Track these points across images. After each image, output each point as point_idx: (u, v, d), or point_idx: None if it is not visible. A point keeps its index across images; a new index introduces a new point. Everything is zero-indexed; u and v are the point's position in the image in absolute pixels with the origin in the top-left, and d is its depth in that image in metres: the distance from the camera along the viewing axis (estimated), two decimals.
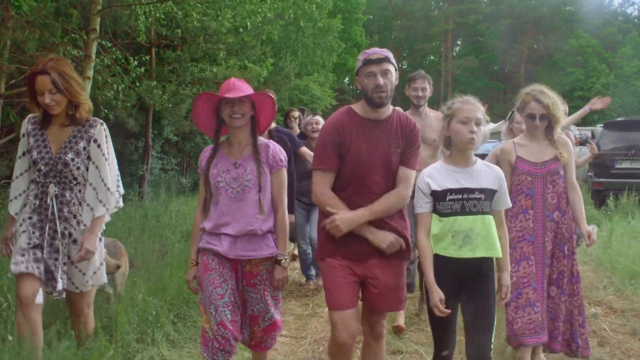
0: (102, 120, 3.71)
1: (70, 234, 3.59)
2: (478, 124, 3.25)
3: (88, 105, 3.62)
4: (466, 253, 3.21)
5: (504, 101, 52.26)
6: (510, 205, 3.46)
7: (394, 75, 3.39)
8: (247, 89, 3.49)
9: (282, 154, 3.61)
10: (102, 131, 3.64)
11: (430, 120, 5.47)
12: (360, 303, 3.52)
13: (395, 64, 3.45)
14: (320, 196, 3.41)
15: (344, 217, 3.26)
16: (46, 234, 3.51)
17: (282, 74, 18.68)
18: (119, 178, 3.80)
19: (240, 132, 3.54)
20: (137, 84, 8.71)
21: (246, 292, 3.57)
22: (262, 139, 3.62)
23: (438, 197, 3.29)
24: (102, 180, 3.63)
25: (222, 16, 8.18)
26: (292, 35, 12.75)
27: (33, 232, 3.52)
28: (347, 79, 43.80)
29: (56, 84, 3.41)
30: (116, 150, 3.89)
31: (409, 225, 3.54)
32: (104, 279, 3.86)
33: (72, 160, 3.53)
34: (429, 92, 5.51)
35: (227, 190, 3.46)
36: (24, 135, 3.62)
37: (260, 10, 8.44)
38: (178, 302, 5.18)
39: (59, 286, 3.51)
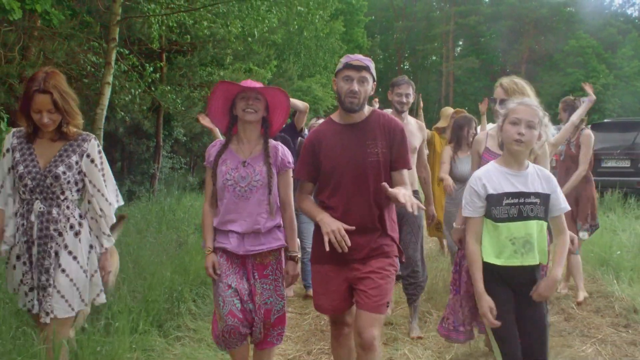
0: (94, 135, 3.62)
1: (56, 253, 3.36)
2: (530, 126, 3.15)
3: (79, 122, 3.47)
4: (529, 260, 3.16)
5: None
6: (568, 208, 3.32)
7: (370, 85, 3.41)
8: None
9: (290, 156, 3.69)
10: (95, 146, 3.53)
11: (411, 127, 5.36)
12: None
13: (375, 76, 3.47)
14: (300, 204, 3.58)
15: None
16: (34, 258, 3.34)
17: (286, 76, 19.27)
18: (117, 189, 3.67)
19: (251, 130, 3.61)
20: (153, 88, 9.35)
21: (259, 285, 3.60)
22: (271, 141, 3.68)
23: (494, 201, 3.19)
24: (102, 194, 3.50)
25: (231, 25, 8.79)
26: (295, 38, 13.21)
27: (19, 259, 3.38)
28: None
29: (57, 104, 3.28)
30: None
31: (396, 226, 3.59)
32: (101, 299, 3.63)
33: (64, 173, 3.38)
34: (411, 98, 5.39)
35: (234, 188, 3.52)
36: (8, 151, 3.43)
37: (266, 21, 9.06)
38: (197, 283, 5.93)
39: (44, 308, 3.31)
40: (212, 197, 3.61)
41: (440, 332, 4.01)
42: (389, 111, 5.20)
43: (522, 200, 3.15)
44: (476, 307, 3.47)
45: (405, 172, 3.46)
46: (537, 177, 3.23)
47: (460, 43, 61.82)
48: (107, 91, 7.57)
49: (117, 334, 4.21)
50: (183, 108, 10.23)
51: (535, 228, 3.14)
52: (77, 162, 3.42)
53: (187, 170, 15.63)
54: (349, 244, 3.21)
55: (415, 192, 5.15)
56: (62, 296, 3.34)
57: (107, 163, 3.62)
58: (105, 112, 7.60)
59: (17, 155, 3.38)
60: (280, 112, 3.69)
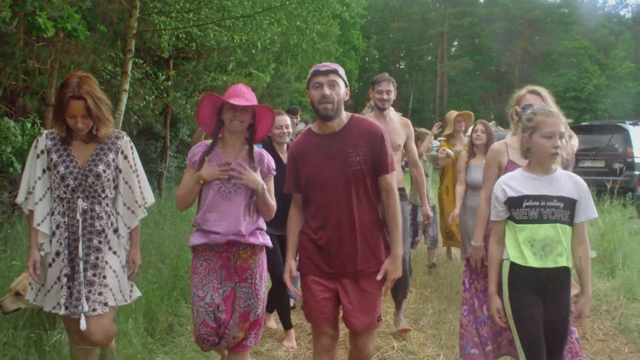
0: (125, 132, 3.66)
1: (100, 249, 3.47)
2: (562, 137, 3.17)
3: (110, 128, 3.52)
4: (549, 263, 3.15)
5: (499, 101, 52.65)
6: (595, 215, 3.27)
7: (342, 89, 3.33)
8: (251, 98, 3.61)
9: (273, 163, 3.78)
10: (127, 143, 3.60)
11: (394, 125, 5.36)
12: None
13: (346, 80, 3.41)
14: (289, 222, 3.57)
15: (395, 266, 3.34)
16: (80, 253, 3.39)
17: (284, 79, 19.94)
18: (149, 187, 3.73)
19: (237, 137, 3.67)
20: (165, 94, 10.19)
21: (238, 288, 3.68)
22: (256, 148, 3.73)
23: (514, 203, 3.24)
24: (132, 191, 3.59)
25: (236, 38, 9.63)
26: (293, 41, 13.88)
27: (58, 255, 3.42)
28: None
29: (90, 110, 3.30)
30: (139, 150, 4.17)
31: (383, 243, 3.48)
32: (138, 292, 3.84)
33: (104, 171, 3.44)
34: (393, 96, 5.34)
35: (219, 187, 3.58)
36: (42, 152, 3.45)
37: (269, 34, 9.92)
38: None
39: (85, 307, 3.36)
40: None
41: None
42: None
43: (543, 204, 3.16)
44: (496, 329, 3.70)
45: (388, 176, 3.40)
46: (564, 182, 3.22)
47: (455, 43, 61.99)
48: (124, 97, 8.42)
49: (155, 300, 5.08)
50: (192, 113, 10.99)
51: (558, 231, 3.15)
52: (113, 160, 3.51)
53: None
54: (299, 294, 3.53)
55: (401, 190, 5.26)
56: (108, 286, 3.47)
57: (140, 161, 3.70)
58: (122, 117, 8.47)
59: (55, 156, 3.42)
60: (265, 121, 3.73)
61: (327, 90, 3.25)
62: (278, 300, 5.26)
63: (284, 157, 5.10)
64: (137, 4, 8.16)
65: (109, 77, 9.38)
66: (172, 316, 5.25)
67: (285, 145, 5.33)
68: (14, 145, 6.30)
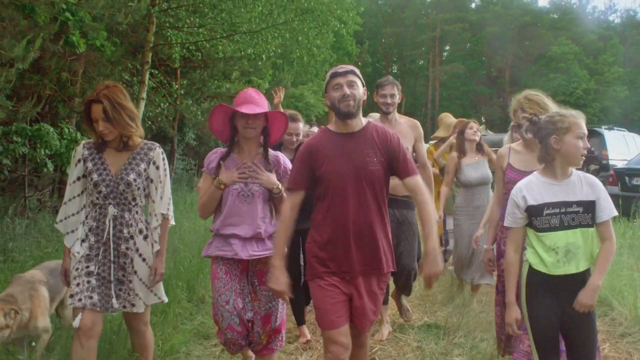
0: (158, 144, 3.76)
1: (129, 255, 3.57)
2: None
3: (140, 133, 3.63)
4: (571, 269, 3.12)
5: (490, 105, 53.27)
6: (615, 213, 3.19)
7: (360, 89, 3.36)
8: (262, 103, 3.63)
9: (289, 164, 3.78)
10: (160, 154, 3.68)
11: (400, 127, 5.19)
12: None
13: (362, 80, 3.43)
14: (280, 220, 3.44)
15: (435, 262, 3.20)
16: (110, 256, 3.53)
17: (281, 85, 20.71)
18: (170, 201, 3.74)
19: (252, 141, 3.72)
20: (178, 102, 11.07)
21: (259, 292, 3.70)
22: (270, 151, 3.78)
23: (535, 212, 3.17)
24: (162, 200, 3.65)
25: (243, 50, 10.56)
26: (295, 54, 14.61)
27: (88, 255, 3.53)
28: None
29: (107, 112, 3.39)
30: None
31: (390, 242, 3.51)
32: (163, 296, 3.83)
33: (135, 180, 3.53)
34: (397, 99, 5.20)
35: (238, 192, 3.62)
36: (79, 161, 3.59)
37: (272, 48, 10.86)
38: None
39: (115, 304, 3.52)
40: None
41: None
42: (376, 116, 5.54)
43: (563, 210, 3.12)
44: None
45: (410, 178, 3.38)
46: (581, 185, 3.18)
47: (447, 48, 62.68)
48: (142, 105, 9.30)
49: (193, 275, 5.99)
50: (202, 119, 11.88)
51: (579, 236, 3.12)
52: (145, 170, 3.60)
53: (196, 171, 17.29)
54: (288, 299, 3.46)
55: (408, 197, 5.04)
56: (137, 294, 3.59)
57: (169, 174, 3.79)
58: (140, 122, 9.27)
59: (90, 165, 3.55)
60: (279, 125, 3.78)
61: (347, 90, 3.29)
62: (295, 300, 5.04)
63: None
64: (154, 20, 9.01)
65: (125, 85, 10.19)
66: (203, 289, 6.08)
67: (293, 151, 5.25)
68: (53, 149, 7.11)
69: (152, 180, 3.64)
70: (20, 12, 6.25)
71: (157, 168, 3.65)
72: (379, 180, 3.36)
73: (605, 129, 14.62)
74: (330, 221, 3.34)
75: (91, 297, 3.45)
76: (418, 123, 5.42)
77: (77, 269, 3.52)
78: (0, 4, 5.61)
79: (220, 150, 3.80)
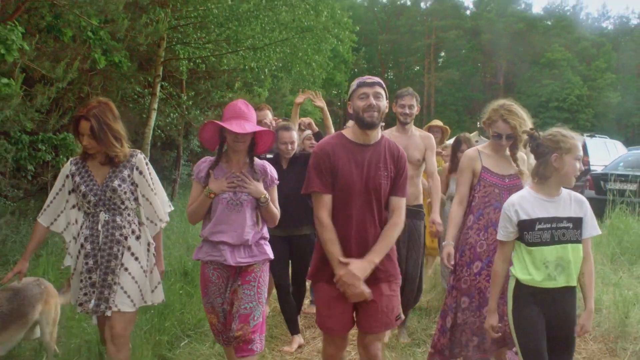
0: (140, 151, 3.86)
1: (122, 255, 3.64)
2: None
3: (125, 152, 3.69)
4: (561, 282, 3.17)
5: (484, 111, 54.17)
6: (598, 232, 3.33)
7: (384, 101, 3.40)
8: (251, 117, 3.72)
9: (275, 173, 3.90)
10: (142, 160, 3.77)
11: (415, 139, 5.26)
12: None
13: (387, 93, 3.46)
14: (320, 227, 3.37)
15: (357, 269, 3.22)
16: (101, 258, 3.60)
17: (280, 93, 21.17)
18: (167, 199, 3.90)
19: (240, 152, 3.78)
20: (187, 112, 11.85)
21: (241, 290, 3.72)
22: (257, 160, 3.85)
23: (527, 226, 3.21)
24: (152, 205, 3.76)
25: (247, 65, 11.37)
26: (295, 69, 15.31)
27: (86, 263, 3.61)
28: (334, 92, 43.83)
29: (93, 130, 3.50)
30: (155, 159, 4.87)
31: (394, 248, 3.53)
32: (162, 296, 3.93)
33: (119, 185, 3.62)
34: (415, 110, 5.24)
35: (227, 200, 3.68)
36: (67, 177, 3.71)
37: (275, 62, 11.74)
38: None
39: (110, 304, 3.59)
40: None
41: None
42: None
43: (554, 225, 3.18)
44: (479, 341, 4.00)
45: (398, 198, 3.46)
46: (570, 202, 3.26)
47: (443, 54, 63.23)
48: (154, 115, 10.07)
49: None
50: None
51: (569, 251, 3.18)
52: (129, 175, 3.71)
53: None
54: (370, 297, 3.28)
55: (419, 207, 5.32)
56: (125, 292, 3.64)
57: (156, 175, 3.88)
58: (152, 131, 10.11)
59: (77, 178, 3.66)
60: (265, 140, 3.85)
61: (373, 100, 3.32)
62: (286, 306, 5.25)
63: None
64: (165, 36, 9.77)
65: (137, 97, 11.02)
66: None
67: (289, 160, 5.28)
68: (74, 156, 7.82)
69: (137, 186, 3.76)
70: (48, 33, 7.02)
71: (141, 173, 3.76)
72: (385, 193, 3.41)
73: (587, 136, 15.37)
74: (336, 228, 3.34)
75: (88, 302, 3.63)
76: (431, 136, 5.47)
77: (81, 280, 3.67)
78: (35, 28, 6.33)
79: (210, 159, 3.87)
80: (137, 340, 4.55)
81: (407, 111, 5.21)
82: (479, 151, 4.23)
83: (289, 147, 5.20)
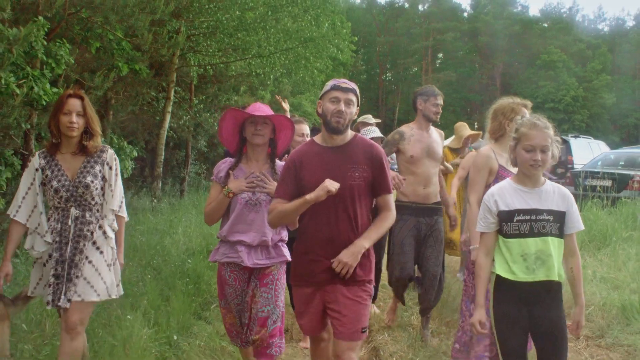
0: (110, 147, 3.85)
1: (86, 249, 3.61)
2: (544, 151, 3.06)
3: (98, 143, 3.70)
4: (540, 276, 3.07)
5: (481, 111, 54.17)
6: (582, 227, 3.19)
7: (354, 109, 3.33)
8: (270, 112, 3.72)
9: None
10: (112, 156, 3.77)
11: (435, 136, 5.26)
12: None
13: (359, 100, 3.42)
14: (273, 214, 3.36)
15: (350, 253, 3.21)
16: (67, 252, 3.57)
17: (281, 95, 22.03)
18: (123, 200, 3.87)
19: (259, 151, 3.76)
20: (198, 115, 12.75)
21: (259, 293, 3.68)
22: (278, 161, 3.83)
23: (505, 218, 3.13)
24: (113, 197, 3.74)
25: (254, 71, 12.28)
26: (298, 76, 16.06)
27: (54, 255, 3.59)
28: None
29: (85, 108, 3.56)
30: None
31: (373, 255, 3.47)
32: (120, 290, 3.86)
33: (92, 182, 3.61)
34: (440, 109, 5.23)
35: (246, 200, 3.66)
36: (37, 170, 3.64)
37: (279, 69, 12.67)
38: None
39: (68, 296, 3.55)
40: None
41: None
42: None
43: (533, 217, 3.07)
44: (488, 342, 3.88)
45: (384, 196, 3.40)
46: (553, 194, 3.14)
47: (440, 56, 63.65)
48: (168, 118, 10.96)
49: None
50: (217, 127, 13.37)
51: (549, 245, 3.07)
52: (100, 171, 3.69)
53: (205, 175, 18.90)
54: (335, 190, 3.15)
55: (437, 204, 5.27)
56: (88, 282, 3.60)
57: (120, 174, 3.88)
58: (166, 133, 11.02)
59: (48, 173, 3.62)
60: (285, 133, 3.83)
61: (342, 107, 3.25)
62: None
63: None
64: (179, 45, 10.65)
65: (151, 100, 11.90)
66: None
67: None
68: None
69: (106, 180, 3.74)
70: (80, 46, 7.89)
71: (110, 169, 3.74)
72: (359, 194, 3.33)
73: (571, 137, 16.28)
74: (309, 232, 3.37)
75: (49, 298, 3.58)
76: (442, 132, 5.47)
77: (44, 272, 3.67)
78: (71, 42, 7.17)
79: (230, 160, 3.83)
80: (178, 304, 5.28)
81: (439, 110, 5.22)
82: (492, 150, 4.14)
83: (305, 138, 5.18)
